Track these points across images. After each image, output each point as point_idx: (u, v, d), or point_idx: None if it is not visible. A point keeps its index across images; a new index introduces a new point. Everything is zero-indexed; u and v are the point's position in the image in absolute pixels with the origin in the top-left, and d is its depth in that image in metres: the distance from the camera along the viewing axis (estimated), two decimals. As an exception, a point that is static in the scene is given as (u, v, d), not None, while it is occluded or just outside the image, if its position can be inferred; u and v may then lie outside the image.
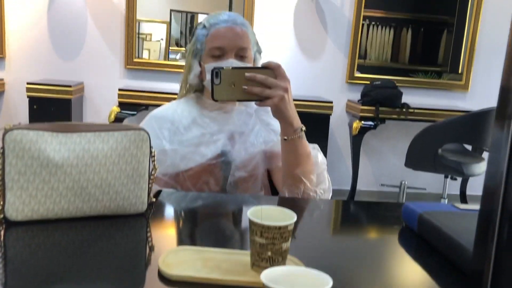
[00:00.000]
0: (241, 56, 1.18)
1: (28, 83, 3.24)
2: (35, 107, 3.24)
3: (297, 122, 1.06)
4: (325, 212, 1.07)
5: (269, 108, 1.29)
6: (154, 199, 0.92)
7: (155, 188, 1.14)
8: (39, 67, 3.56)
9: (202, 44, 1.22)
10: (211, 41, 1.20)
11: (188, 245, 0.74)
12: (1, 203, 0.78)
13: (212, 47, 1.19)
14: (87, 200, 0.81)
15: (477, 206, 0.65)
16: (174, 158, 1.18)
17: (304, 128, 1.07)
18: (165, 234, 0.86)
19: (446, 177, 3.27)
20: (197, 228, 0.89)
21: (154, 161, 0.88)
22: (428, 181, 3.94)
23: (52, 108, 3.25)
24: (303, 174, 1.09)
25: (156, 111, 1.28)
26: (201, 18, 3.88)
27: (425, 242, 0.82)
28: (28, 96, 3.24)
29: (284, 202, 1.12)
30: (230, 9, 3.80)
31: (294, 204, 1.10)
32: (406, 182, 3.85)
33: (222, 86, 0.97)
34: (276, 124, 1.25)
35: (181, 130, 1.22)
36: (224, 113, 1.25)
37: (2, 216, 0.78)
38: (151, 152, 0.86)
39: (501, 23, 3.84)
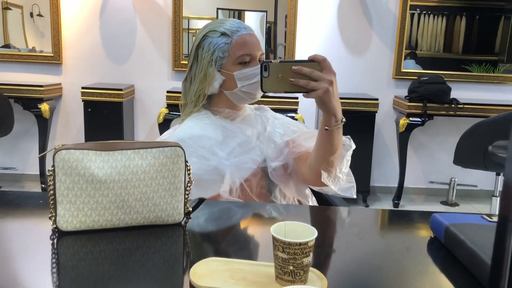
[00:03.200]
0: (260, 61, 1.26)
1: (83, 88, 3.43)
2: (89, 110, 3.42)
3: (339, 113, 1.09)
4: (352, 221, 1.09)
5: (266, 107, 1.42)
6: (190, 209, 0.99)
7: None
8: (93, 72, 3.76)
9: (224, 52, 1.23)
10: (239, 48, 1.23)
11: (219, 256, 0.79)
12: (54, 215, 0.86)
13: (242, 54, 1.23)
14: (129, 212, 0.88)
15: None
16: (231, 173, 1.22)
17: (344, 120, 1.11)
18: (199, 243, 0.92)
19: (498, 174, 3.16)
20: (230, 239, 0.94)
21: (189, 174, 0.94)
22: (479, 178, 3.82)
23: (105, 110, 3.42)
24: (336, 158, 1.16)
25: (184, 132, 1.25)
26: (248, 15, 3.93)
27: (452, 255, 0.83)
28: (83, 100, 3.43)
29: (314, 211, 1.16)
30: (276, 5, 3.82)
31: (320, 212, 1.14)
32: (456, 179, 3.75)
33: (270, 79, 1.02)
34: (283, 117, 1.38)
35: (221, 144, 1.25)
36: (243, 119, 1.32)
37: (54, 226, 0.87)
38: (186, 166, 0.92)
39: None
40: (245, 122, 1.31)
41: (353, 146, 1.22)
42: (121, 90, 3.44)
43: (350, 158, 1.22)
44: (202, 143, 1.23)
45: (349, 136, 1.23)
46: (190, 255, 0.84)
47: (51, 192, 0.85)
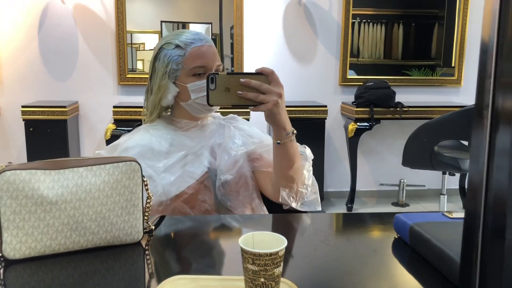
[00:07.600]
0: None
1: (23, 106, 3.26)
2: (31, 129, 3.26)
3: (289, 126, 1.09)
4: (317, 227, 1.08)
5: (238, 117, 1.37)
6: (153, 227, 0.94)
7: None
8: (33, 90, 3.58)
9: (178, 65, 1.21)
10: (192, 60, 1.20)
11: (185, 274, 0.75)
12: (-1, 242, 0.79)
13: (195, 66, 1.20)
14: (83, 233, 0.82)
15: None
16: (165, 185, 1.18)
17: (295, 132, 1.11)
18: (163, 262, 0.87)
19: (444, 173, 3.28)
20: (195, 254, 0.90)
21: (147, 189, 0.90)
22: (427, 177, 3.96)
23: (48, 129, 3.27)
24: (295, 173, 1.14)
25: (129, 142, 1.24)
26: (192, 27, 3.89)
27: (418, 254, 0.84)
28: (23, 119, 3.26)
29: (276, 219, 1.14)
30: (221, 17, 3.81)
31: (285, 220, 1.12)
32: (405, 180, 3.87)
33: (217, 91, 1.00)
34: (249, 129, 1.33)
35: (163, 156, 1.22)
36: (199, 129, 1.29)
37: (0, 255, 0.79)
38: (143, 181, 0.88)
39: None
40: (200, 133, 1.28)
41: (311, 156, 1.21)
42: (64, 107, 3.30)
43: (311, 168, 1.21)
44: (145, 154, 1.21)
45: (305, 146, 1.22)
46: (152, 276, 0.80)
47: (-4, 218, 0.78)
